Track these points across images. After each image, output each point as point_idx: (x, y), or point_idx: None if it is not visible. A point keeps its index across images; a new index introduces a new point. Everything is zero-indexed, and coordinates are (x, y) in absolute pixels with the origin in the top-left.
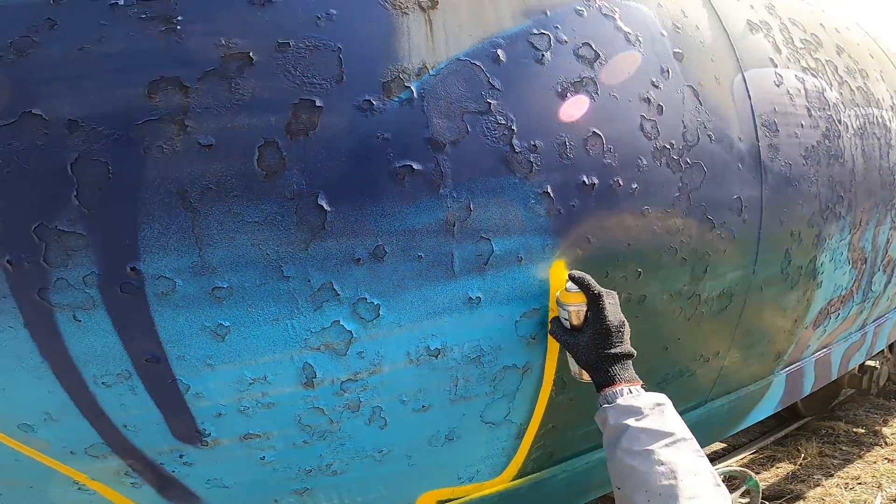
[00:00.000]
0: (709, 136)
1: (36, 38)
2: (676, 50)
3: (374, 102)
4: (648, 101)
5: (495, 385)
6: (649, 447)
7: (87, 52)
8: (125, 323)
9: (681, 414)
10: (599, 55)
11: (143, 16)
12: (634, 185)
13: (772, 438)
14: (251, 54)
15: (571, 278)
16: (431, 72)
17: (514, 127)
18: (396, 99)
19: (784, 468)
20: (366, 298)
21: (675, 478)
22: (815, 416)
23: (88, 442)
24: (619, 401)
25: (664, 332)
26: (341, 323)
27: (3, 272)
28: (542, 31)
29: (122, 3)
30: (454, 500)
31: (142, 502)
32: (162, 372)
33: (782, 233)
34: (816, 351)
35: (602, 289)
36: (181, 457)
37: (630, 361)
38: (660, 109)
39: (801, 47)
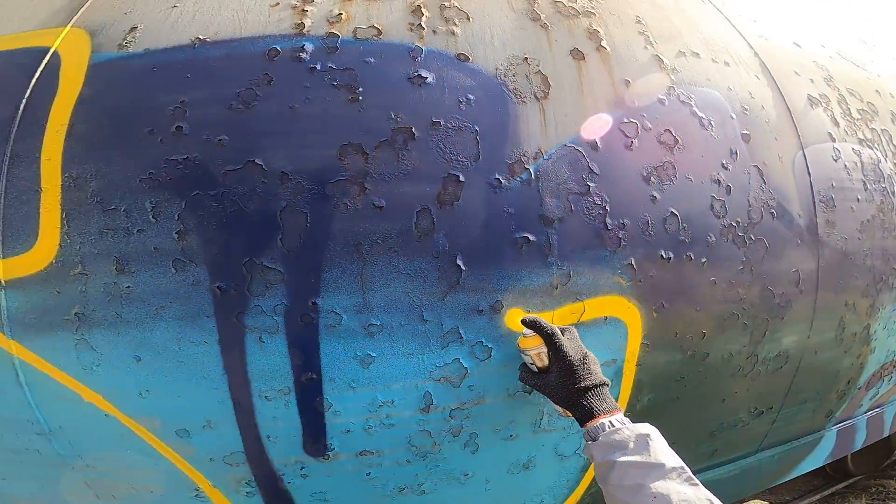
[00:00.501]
0: (771, 213)
1: (258, 92)
2: (744, 131)
3: (501, 180)
4: (719, 182)
5: (572, 420)
6: (640, 481)
7: (296, 111)
8: (297, 347)
9: (733, 461)
10: (678, 141)
11: (335, 83)
12: (703, 260)
13: (818, 496)
14: (413, 129)
15: (524, 323)
16: (545, 156)
17: (607, 207)
18: (518, 179)
19: None
20: (482, 342)
21: None
22: (866, 474)
23: (231, 450)
24: (602, 437)
25: (723, 386)
26: (460, 360)
27: (212, 295)
28: (631, 120)
29: (319, 68)
30: None
31: None
32: (315, 390)
33: (837, 302)
34: (869, 410)
35: (555, 327)
36: (302, 469)
37: (605, 390)
38: (728, 190)
39: (858, 118)
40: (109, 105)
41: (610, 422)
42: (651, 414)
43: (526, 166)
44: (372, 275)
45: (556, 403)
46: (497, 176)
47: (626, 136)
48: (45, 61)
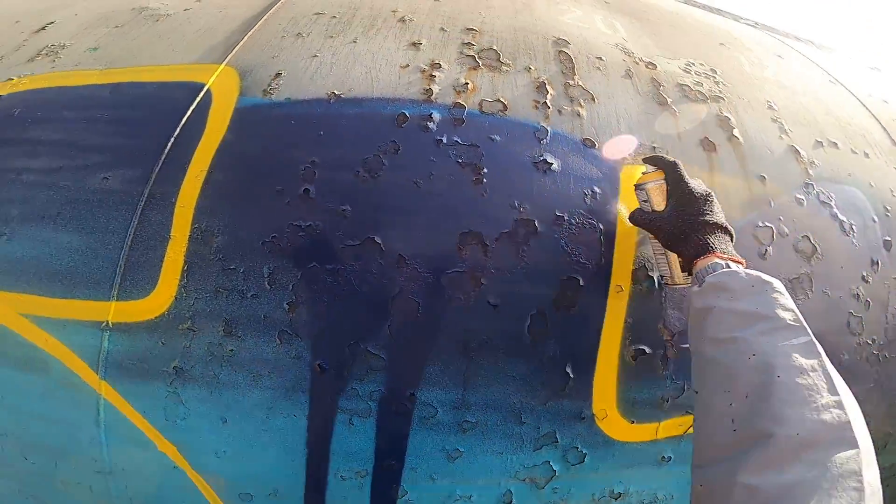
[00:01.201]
0: None
1: (385, 161)
2: (886, 238)
3: (622, 288)
4: (857, 297)
5: None
6: (736, 333)
7: (420, 187)
8: (385, 433)
9: None
10: (816, 249)
11: (460, 160)
12: None
13: None
14: (536, 223)
15: (645, 160)
16: None
17: None
18: (641, 286)
19: None
20: (577, 448)
21: (769, 373)
22: None
23: None
24: (709, 278)
25: None
26: (550, 463)
27: (311, 372)
28: (766, 224)
29: (445, 141)
30: None
31: None
32: (393, 477)
33: None
34: None
35: (677, 160)
36: None
37: (727, 236)
38: (867, 305)
39: None
40: (247, 154)
41: (726, 264)
42: None
43: (650, 274)
44: (476, 374)
45: (669, 242)
46: (619, 283)
47: (761, 244)
48: (197, 99)
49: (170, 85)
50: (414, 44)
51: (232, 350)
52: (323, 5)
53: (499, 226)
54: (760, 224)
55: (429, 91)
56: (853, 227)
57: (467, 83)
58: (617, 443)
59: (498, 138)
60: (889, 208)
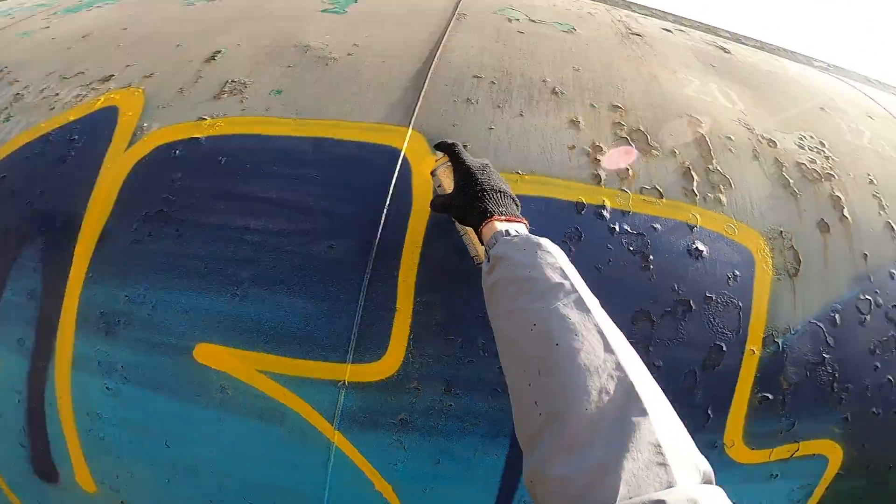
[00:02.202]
0: None
1: (571, 248)
2: None
3: (754, 351)
4: None
5: None
6: (517, 304)
7: (601, 273)
8: None
9: None
10: None
11: (630, 247)
12: None
13: None
14: (690, 302)
15: (435, 147)
16: (791, 331)
17: (836, 374)
18: (769, 350)
19: None
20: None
21: (549, 342)
22: None
23: None
24: (492, 251)
25: None
26: None
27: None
28: (867, 297)
29: (618, 229)
30: None
31: None
32: None
33: None
34: None
35: (458, 144)
36: None
37: (507, 199)
38: None
39: None
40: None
41: (506, 229)
42: None
43: (776, 340)
44: None
45: (459, 220)
46: (751, 347)
47: (861, 313)
48: (398, 166)
49: (368, 146)
50: (573, 122)
51: (451, 405)
52: (477, 67)
53: (663, 305)
54: (862, 297)
55: (597, 177)
56: None
57: (628, 169)
58: (738, 464)
59: (659, 227)
60: None
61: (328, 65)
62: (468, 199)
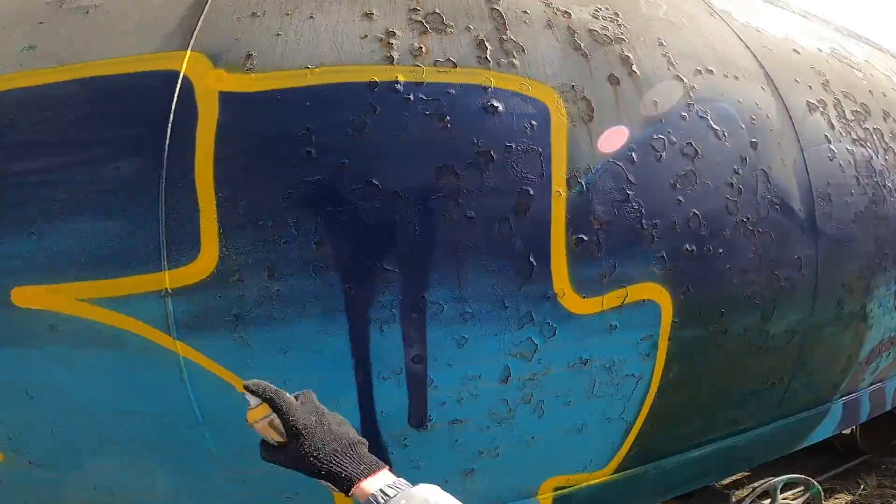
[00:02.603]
0: (776, 209)
1: (368, 120)
2: (753, 139)
3: (561, 192)
4: (731, 185)
5: (617, 388)
6: None
7: (399, 138)
8: (409, 333)
9: (751, 429)
10: (698, 152)
11: (427, 112)
12: (721, 251)
13: (832, 473)
14: (491, 152)
15: (247, 388)
16: (593, 171)
17: (643, 210)
18: (574, 190)
19: (843, 498)
20: (549, 323)
21: None
22: (875, 453)
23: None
24: None
25: (739, 358)
26: (532, 339)
27: (344, 294)
28: (660, 136)
29: (412, 98)
30: (567, 487)
31: None
32: (421, 370)
33: (835, 284)
34: (871, 384)
35: (280, 390)
36: (405, 440)
37: (362, 449)
38: (739, 191)
39: (852, 119)
40: (249, 130)
41: (381, 488)
42: (679, 383)
43: (579, 180)
44: (466, 272)
45: (309, 475)
46: (558, 189)
47: (656, 151)
48: (179, 81)
49: (141, 75)
50: (366, 14)
51: (278, 290)
52: None
53: (465, 158)
54: (655, 136)
55: (390, 58)
56: (725, 133)
57: (421, 47)
58: (575, 315)
59: (453, 91)
60: (755, 117)
61: (88, 13)
62: (315, 467)
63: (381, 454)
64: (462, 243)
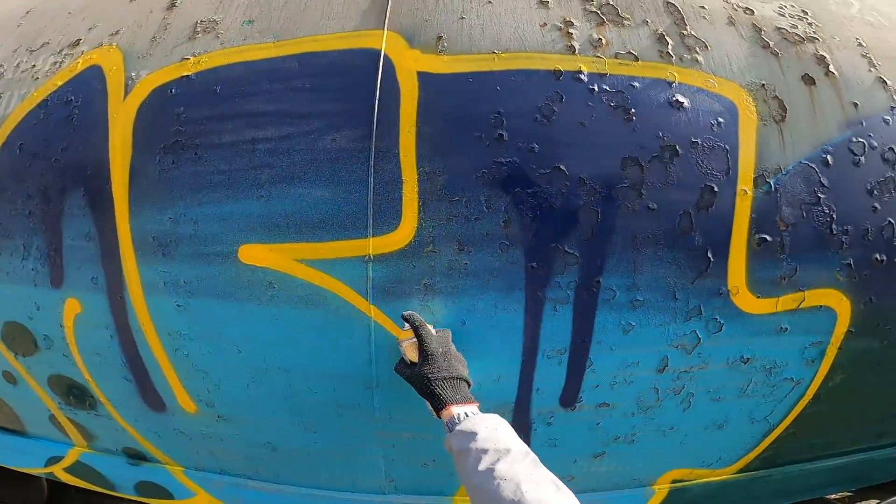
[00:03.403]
0: None
1: (555, 108)
2: None
3: (746, 191)
4: None
5: (772, 390)
6: (490, 466)
7: (585, 126)
8: (579, 315)
9: (892, 446)
10: None
11: (612, 104)
12: None
13: None
14: (677, 147)
15: (402, 317)
16: (783, 172)
17: (834, 215)
18: (761, 189)
19: None
20: (717, 318)
21: (520, 489)
22: None
23: (505, 401)
24: (458, 427)
25: None
26: (696, 332)
27: (525, 272)
28: (859, 139)
29: (597, 89)
30: (685, 481)
31: None
32: (583, 351)
33: None
34: None
35: (426, 323)
36: (550, 418)
37: (462, 385)
38: None
39: None
40: (447, 109)
41: (464, 412)
42: (837, 393)
43: (767, 180)
44: (642, 261)
45: (419, 393)
46: (743, 187)
47: (854, 154)
48: (381, 61)
49: (348, 52)
50: (541, 2)
51: (466, 263)
52: None
53: (650, 151)
54: (854, 139)
55: (571, 48)
56: None
57: (600, 38)
58: (746, 314)
59: (637, 84)
60: None
61: None
62: (429, 386)
63: (525, 430)
64: (641, 233)
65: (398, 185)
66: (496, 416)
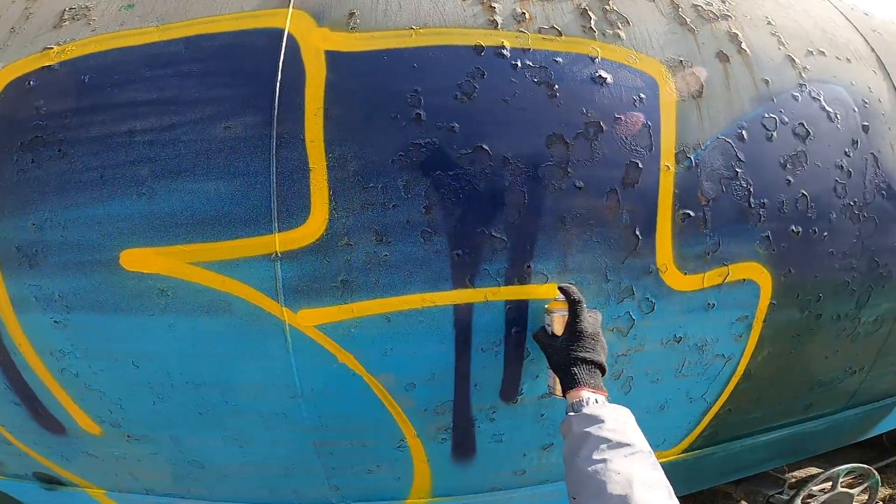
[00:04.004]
0: (882, 194)
1: (476, 85)
2: (864, 123)
3: (669, 167)
4: (841, 167)
5: (706, 368)
6: (607, 456)
7: (507, 103)
8: (512, 304)
9: (823, 416)
10: (809, 132)
11: (535, 79)
12: (825, 234)
13: (875, 466)
14: (601, 123)
15: (560, 288)
16: (702, 147)
17: (751, 189)
18: (683, 165)
19: (882, 492)
20: (648, 298)
21: (631, 487)
22: None
23: (443, 400)
24: (585, 410)
25: (828, 345)
26: (630, 313)
27: (451, 261)
28: (771, 115)
29: (520, 65)
30: None
31: (435, 457)
32: (520, 341)
33: None
34: None
35: (583, 299)
36: (493, 413)
37: (598, 371)
38: (849, 174)
39: None
40: (357, 90)
41: (595, 398)
42: (766, 366)
43: (688, 155)
44: (571, 243)
45: (552, 366)
46: (666, 163)
47: (767, 130)
48: (284, 40)
49: (245, 33)
50: None
51: (386, 255)
52: None
53: (574, 128)
54: (766, 115)
55: (493, 22)
56: (837, 115)
57: (524, 13)
58: (675, 292)
59: (561, 60)
60: (867, 101)
61: None
62: (568, 363)
63: (468, 427)
64: (569, 213)
65: (305, 174)
66: (626, 408)
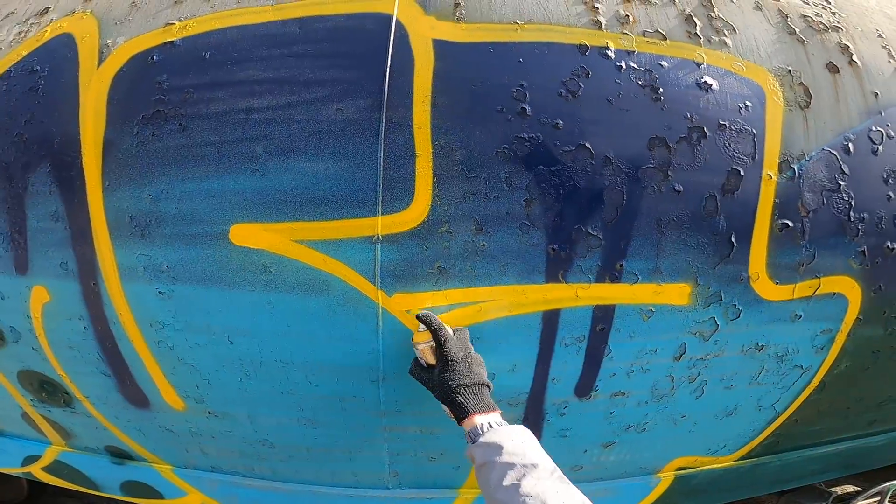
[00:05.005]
0: None
1: (581, 84)
2: None
3: (771, 175)
4: None
5: (782, 377)
6: (515, 481)
7: (611, 104)
8: (601, 301)
9: (884, 433)
10: None
11: (640, 82)
12: None
13: None
14: (704, 129)
15: (417, 317)
16: (806, 157)
17: (852, 202)
18: (785, 175)
19: None
20: (735, 305)
21: None
22: None
23: (519, 391)
24: (482, 439)
25: None
26: (715, 318)
27: (546, 255)
28: (878, 128)
29: (625, 66)
30: (690, 468)
31: None
32: (602, 339)
33: None
34: None
35: (444, 324)
36: (564, 408)
37: (484, 390)
38: None
39: None
40: (464, 79)
41: (488, 423)
42: (840, 380)
43: (792, 165)
44: (665, 244)
45: (438, 398)
46: (769, 172)
47: (874, 143)
48: (392, 27)
49: (356, 16)
50: None
51: (483, 245)
52: None
53: (678, 132)
54: (874, 128)
55: (597, 23)
56: None
57: (627, 15)
58: (764, 301)
59: (665, 64)
60: None
61: None
62: (450, 393)
63: (538, 421)
64: (666, 215)
65: (411, 160)
66: (522, 427)
